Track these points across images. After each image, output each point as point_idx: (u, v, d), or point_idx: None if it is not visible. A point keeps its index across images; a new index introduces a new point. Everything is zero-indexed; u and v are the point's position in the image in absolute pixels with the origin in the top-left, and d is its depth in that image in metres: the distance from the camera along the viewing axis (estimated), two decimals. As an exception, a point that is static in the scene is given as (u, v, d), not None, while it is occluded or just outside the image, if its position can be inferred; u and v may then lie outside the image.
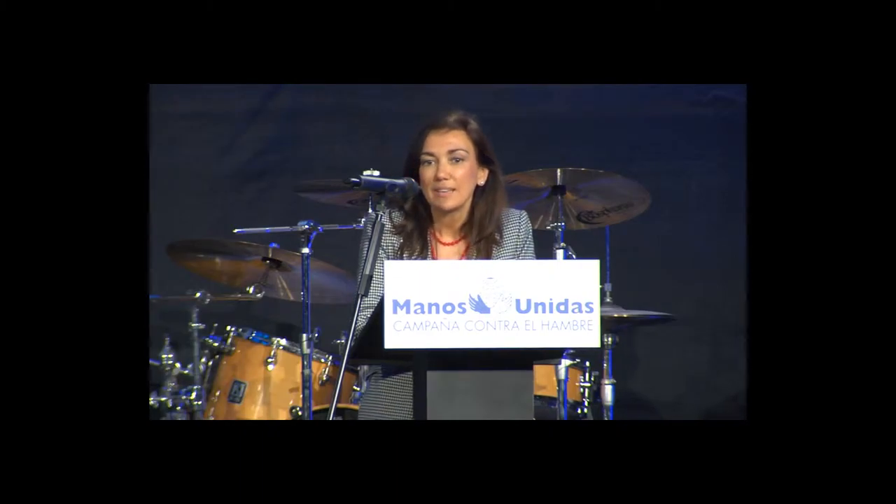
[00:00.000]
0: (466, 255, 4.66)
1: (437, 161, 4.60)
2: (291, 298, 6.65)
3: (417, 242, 4.64)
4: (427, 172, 4.61)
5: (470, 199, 4.67)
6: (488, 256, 4.62)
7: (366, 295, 4.22)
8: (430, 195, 4.62)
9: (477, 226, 4.65)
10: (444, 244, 4.68)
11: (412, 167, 4.62)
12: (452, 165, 4.60)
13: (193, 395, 6.44)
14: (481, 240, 4.64)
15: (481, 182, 4.67)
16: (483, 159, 4.66)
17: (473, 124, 4.65)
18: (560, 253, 5.90)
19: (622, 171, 6.06)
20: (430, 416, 3.97)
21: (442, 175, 4.59)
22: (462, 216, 4.68)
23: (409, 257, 4.62)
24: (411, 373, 4.24)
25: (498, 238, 4.66)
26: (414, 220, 4.67)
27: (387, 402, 4.63)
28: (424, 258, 4.63)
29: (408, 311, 3.90)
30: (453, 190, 4.61)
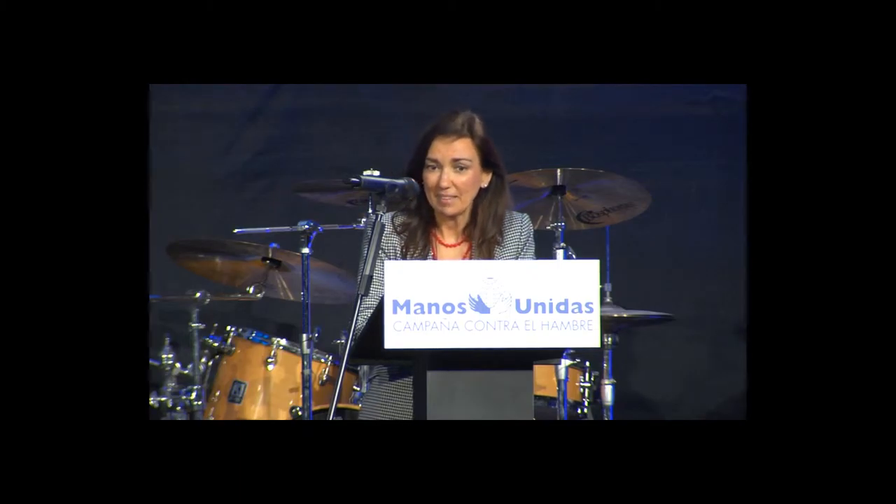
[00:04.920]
0: (468, 257, 4.66)
1: (441, 168, 4.59)
2: (291, 298, 6.65)
3: (420, 242, 4.64)
4: (431, 178, 4.60)
5: (471, 202, 4.67)
6: (490, 258, 4.62)
7: (366, 295, 4.22)
8: (432, 200, 4.62)
9: (479, 228, 4.65)
10: (446, 246, 4.68)
11: (416, 169, 4.62)
12: (456, 174, 4.60)
13: (193, 395, 6.44)
14: (483, 242, 4.64)
15: (484, 184, 4.67)
16: (487, 164, 4.65)
17: (479, 129, 4.63)
18: (560, 253, 5.91)
19: (622, 171, 6.06)
20: (430, 416, 3.97)
21: (444, 184, 4.58)
22: (464, 218, 4.68)
23: (412, 257, 4.62)
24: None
25: (499, 239, 4.66)
26: (417, 219, 4.67)
27: (390, 407, 4.62)
28: (426, 258, 4.63)
29: (408, 312, 3.90)
30: (455, 197, 4.61)
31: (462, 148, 4.60)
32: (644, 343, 7.44)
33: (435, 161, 4.60)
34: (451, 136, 4.60)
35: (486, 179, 4.67)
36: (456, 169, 4.59)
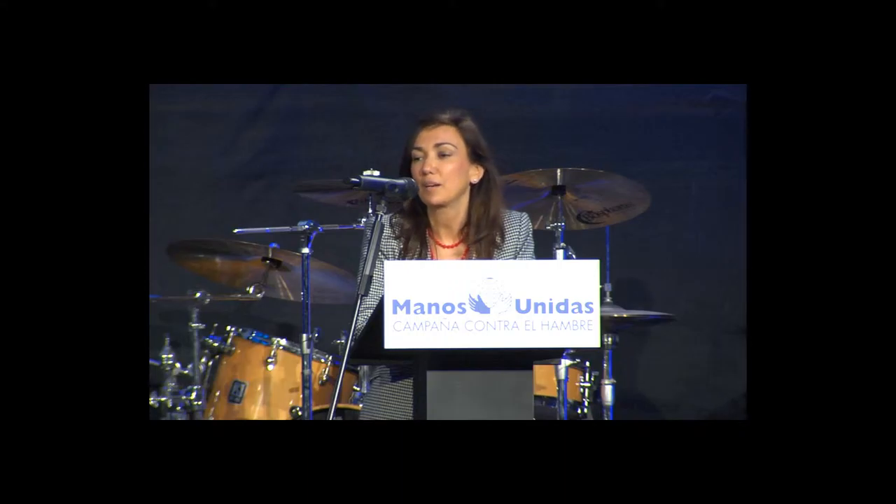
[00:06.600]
0: (466, 257, 4.65)
1: (426, 155, 4.60)
2: (291, 298, 6.65)
3: (416, 242, 4.64)
4: (416, 167, 4.61)
5: (465, 199, 4.66)
6: (488, 257, 4.62)
7: (366, 295, 4.22)
8: (420, 191, 4.62)
9: (474, 226, 4.65)
10: (444, 247, 4.68)
11: (406, 164, 4.63)
12: (439, 160, 4.60)
13: (193, 395, 6.44)
14: (479, 241, 4.63)
15: (475, 180, 4.66)
16: (475, 157, 4.65)
17: (467, 122, 4.64)
18: (560, 253, 5.90)
19: (622, 171, 6.07)
20: (430, 417, 3.97)
21: (428, 169, 4.58)
22: (459, 217, 4.67)
23: (410, 258, 4.61)
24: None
25: (499, 241, 4.65)
26: (412, 220, 4.66)
27: (390, 408, 4.62)
28: (424, 259, 4.62)
29: (408, 312, 3.89)
30: (439, 185, 4.60)
31: (445, 135, 4.61)
32: (644, 343, 7.44)
33: (419, 149, 4.61)
34: (434, 124, 4.62)
35: (475, 175, 4.65)
36: (439, 155, 4.60)
